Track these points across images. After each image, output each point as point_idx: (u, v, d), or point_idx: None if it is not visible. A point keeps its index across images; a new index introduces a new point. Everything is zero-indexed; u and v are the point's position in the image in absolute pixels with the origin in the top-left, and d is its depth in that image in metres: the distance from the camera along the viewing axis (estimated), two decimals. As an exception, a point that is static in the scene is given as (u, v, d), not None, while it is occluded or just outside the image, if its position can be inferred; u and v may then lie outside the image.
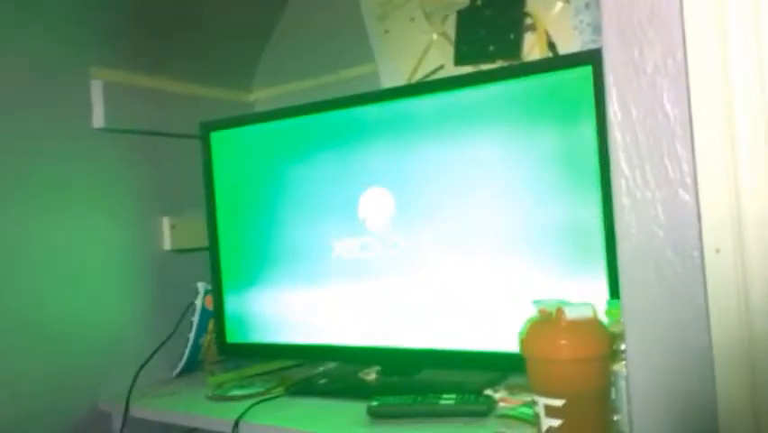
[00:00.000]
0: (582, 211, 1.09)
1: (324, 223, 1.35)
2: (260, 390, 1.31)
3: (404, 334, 1.26)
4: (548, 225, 1.12)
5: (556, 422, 0.83)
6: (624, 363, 0.83)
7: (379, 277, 1.29)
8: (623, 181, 0.65)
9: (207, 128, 1.50)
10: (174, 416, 1.28)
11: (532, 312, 0.90)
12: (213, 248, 1.49)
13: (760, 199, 0.56)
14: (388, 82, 1.52)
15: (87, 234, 1.41)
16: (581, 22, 1.29)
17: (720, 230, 0.58)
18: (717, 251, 0.59)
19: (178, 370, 1.48)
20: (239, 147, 1.47)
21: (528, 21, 1.35)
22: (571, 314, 0.84)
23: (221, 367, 1.50)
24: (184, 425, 1.29)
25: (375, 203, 1.29)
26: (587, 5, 1.28)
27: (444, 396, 1.09)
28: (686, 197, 0.61)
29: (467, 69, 1.40)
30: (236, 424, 1.15)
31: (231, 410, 1.19)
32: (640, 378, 0.64)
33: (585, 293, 1.01)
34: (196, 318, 1.49)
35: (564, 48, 1.31)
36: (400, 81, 1.50)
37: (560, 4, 1.32)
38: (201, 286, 1.50)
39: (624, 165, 0.65)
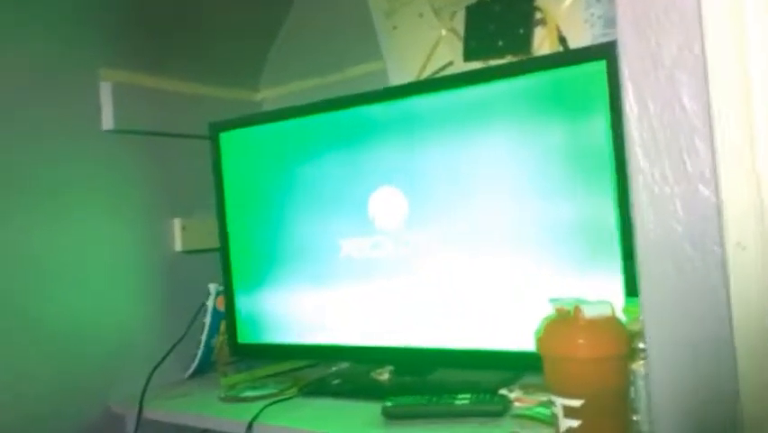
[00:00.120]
0: (596, 209, 1.07)
1: (334, 222, 1.34)
2: (274, 391, 1.30)
3: (417, 333, 1.26)
4: (561, 223, 1.11)
5: (575, 423, 0.82)
6: (642, 362, 0.82)
7: (391, 276, 1.28)
8: (640, 177, 0.64)
9: (216, 128, 1.50)
10: (187, 417, 1.28)
11: (548, 310, 0.89)
12: (224, 249, 1.49)
13: (783, 193, 0.55)
14: (396, 79, 1.51)
15: (98, 236, 1.41)
16: (593, 15, 1.27)
17: (742, 224, 0.58)
18: (740, 245, 0.58)
19: (190, 371, 1.48)
20: (248, 147, 1.46)
21: (538, 15, 1.34)
22: (589, 312, 0.83)
23: (233, 368, 1.50)
24: (197, 426, 1.28)
25: (385, 202, 1.29)
26: (598, -2, 1.26)
27: (459, 396, 1.08)
28: (706, 192, 0.60)
29: (476, 65, 1.39)
30: (250, 425, 1.15)
31: (244, 411, 1.19)
32: (660, 373, 0.64)
33: (599, 291, 1.00)
34: (207, 320, 1.48)
35: (575, 42, 1.29)
36: (409, 78, 1.49)
37: (570, -2, 1.31)
38: (212, 287, 1.50)
39: (641, 160, 0.64)
